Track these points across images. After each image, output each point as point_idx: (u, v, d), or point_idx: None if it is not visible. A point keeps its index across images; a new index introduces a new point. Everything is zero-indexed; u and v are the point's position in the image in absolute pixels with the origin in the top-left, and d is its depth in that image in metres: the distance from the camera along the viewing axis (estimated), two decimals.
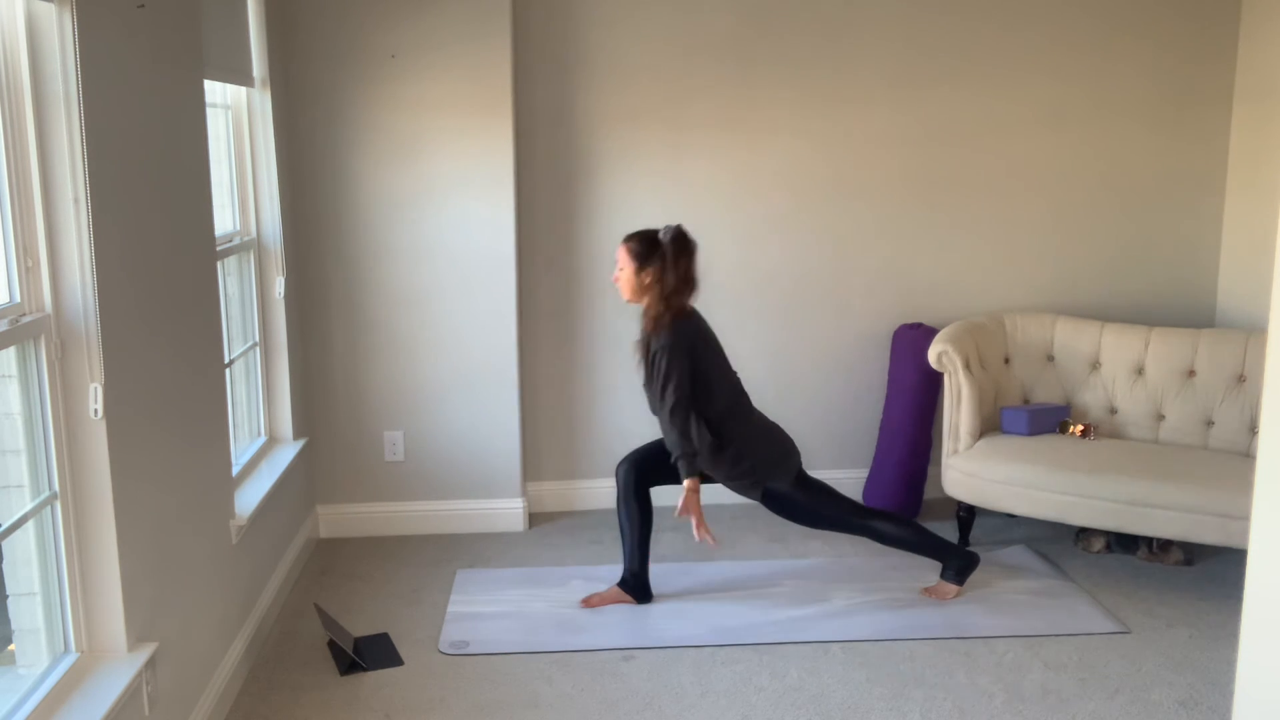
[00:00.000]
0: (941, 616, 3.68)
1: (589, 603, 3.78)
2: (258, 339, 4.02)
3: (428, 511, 4.52)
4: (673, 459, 3.53)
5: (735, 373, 3.68)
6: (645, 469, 3.77)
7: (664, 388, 3.48)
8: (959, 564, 3.80)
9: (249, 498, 3.53)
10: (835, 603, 3.79)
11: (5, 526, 2.24)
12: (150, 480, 2.64)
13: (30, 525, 2.34)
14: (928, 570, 3.95)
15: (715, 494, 4.59)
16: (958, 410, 4.19)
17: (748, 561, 4.18)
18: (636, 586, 3.79)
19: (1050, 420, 4.26)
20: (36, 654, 2.41)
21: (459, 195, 4.30)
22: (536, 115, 4.47)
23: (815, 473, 3.73)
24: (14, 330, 2.21)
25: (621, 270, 3.58)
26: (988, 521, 4.52)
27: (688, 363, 3.50)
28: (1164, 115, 4.66)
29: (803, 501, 3.66)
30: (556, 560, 4.23)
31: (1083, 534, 4.29)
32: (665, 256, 3.51)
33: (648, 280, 3.53)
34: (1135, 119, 4.66)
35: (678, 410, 3.48)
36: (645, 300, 3.56)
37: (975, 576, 3.85)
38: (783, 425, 3.77)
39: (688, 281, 3.55)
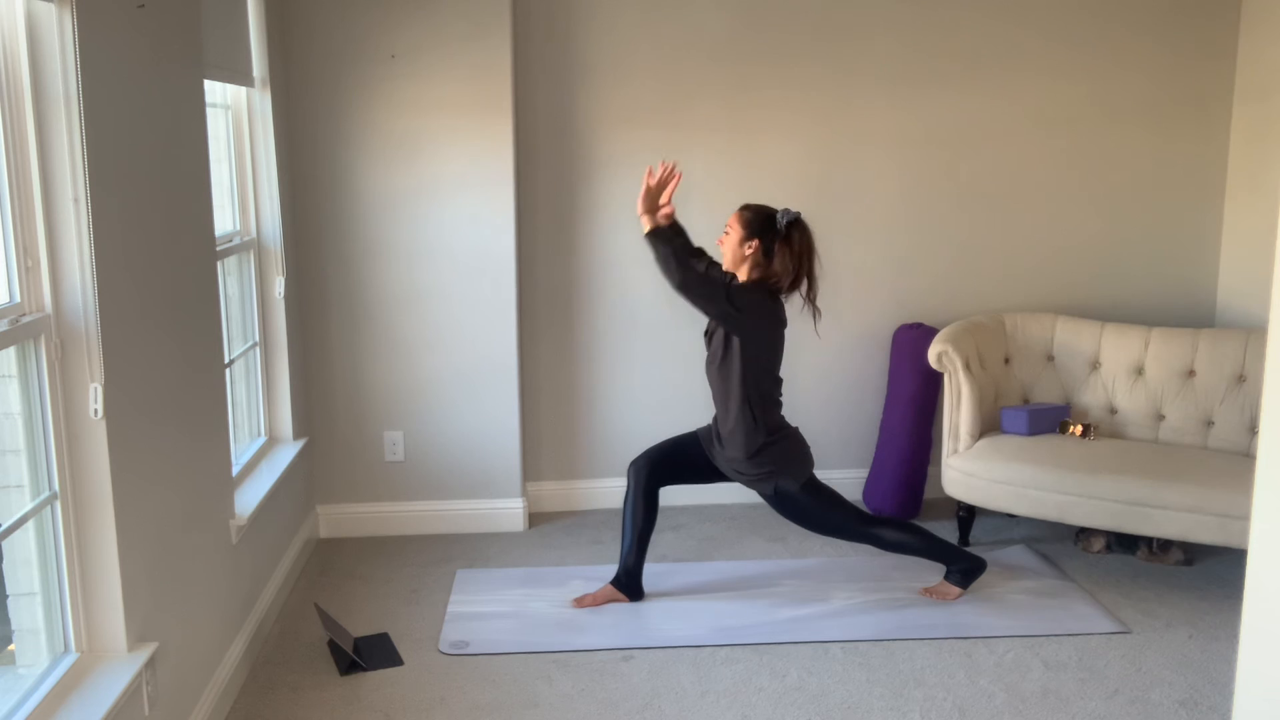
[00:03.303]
0: (941, 616, 3.68)
1: (581, 603, 3.78)
2: (258, 339, 4.02)
3: (428, 511, 4.52)
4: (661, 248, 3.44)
5: None
6: (659, 469, 3.76)
7: (726, 285, 3.43)
8: (964, 568, 3.79)
9: (249, 498, 3.53)
10: (835, 603, 3.79)
11: (5, 526, 2.24)
12: (150, 480, 2.65)
13: (30, 525, 2.34)
14: (929, 570, 3.95)
15: (716, 494, 4.61)
16: (958, 410, 4.19)
17: (748, 561, 4.18)
18: (629, 584, 3.79)
19: (1050, 420, 4.26)
20: (36, 654, 2.41)
21: (459, 195, 4.30)
22: (536, 115, 4.47)
23: (815, 473, 3.73)
24: (14, 330, 2.21)
25: (728, 235, 3.54)
26: (988, 521, 4.52)
27: (748, 315, 3.46)
28: (1164, 115, 4.66)
29: (810, 505, 3.66)
30: (556, 560, 4.23)
31: (1083, 534, 4.29)
32: (775, 238, 3.47)
33: (748, 252, 3.49)
34: (1135, 119, 4.66)
35: (703, 291, 3.42)
36: (740, 271, 3.53)
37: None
38: None
39: (798, 273, 3.50)
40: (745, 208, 3.54)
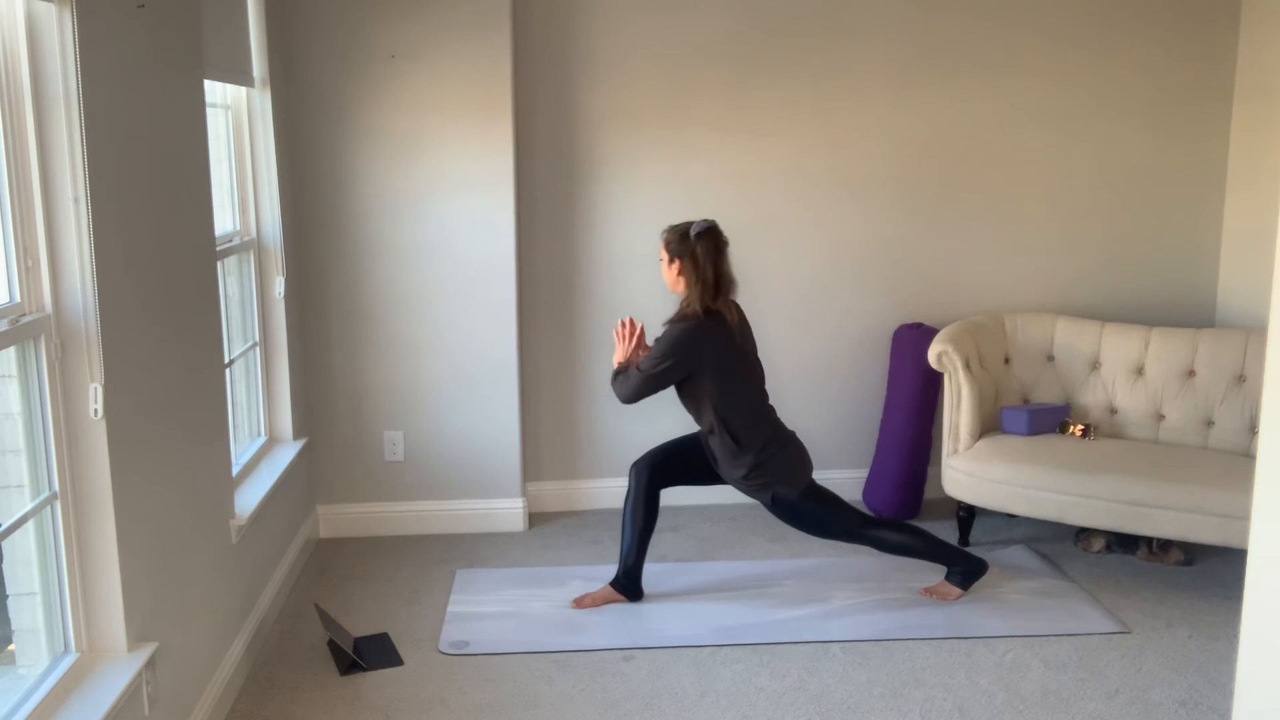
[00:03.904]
0: (941, 616, 3.67)
1: (580, 603, 3.78)
2: (258, 339, 4.02)
3: (428, 511, 4.52)
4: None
5: (762, 376, 3.67)
6: (661, 471, 3.77)
7: (648, 365, 3.50)
8: (965, 569, 3.79)
9: (249, 498, 3.53)
10: (835, 603, 3.79)
11: (5, 526, 2.24)
12: (150, 480, 2.65)
13: (30, 525, 2.34)
14: (929, 570, 3.95)
15: (716, 494, 4.61)
16: (958, 410, 4.19)
17: (748, 561, 4.18)
18: (629, 585, 3.79)
19: (1050, 420, 4.26)
20: (36, 654, 2.41)
21: (459, 195, 4.30)
22: (536, 115, 4.47)
23: (815, 473, 3.73)
24: (14, 330, 2.21)
25: (661, 262, 3.58)
26: (988, 521, 4.52)
27: (681, 365, 3.50)
28: (1164, 114, 4.66)
29: (809, 510, 3.66)
30: (556, 560, 4.23)
31: (1083, 534, 4.29)
32: (694, 252, 3.48)
33: (677, 273, 3.52)
34: (1135, 118, 4.66)
35: (637, 387, 3.52)
36: (681, 290, 3.56)
37: None
38: (783, 424, 3.77)
39: (716, 279, 3.50)
40: (666, 230, 3.58)
